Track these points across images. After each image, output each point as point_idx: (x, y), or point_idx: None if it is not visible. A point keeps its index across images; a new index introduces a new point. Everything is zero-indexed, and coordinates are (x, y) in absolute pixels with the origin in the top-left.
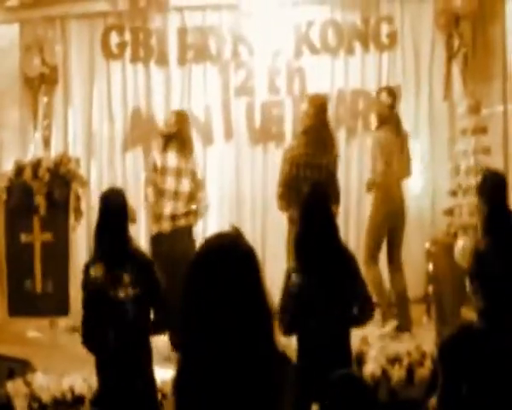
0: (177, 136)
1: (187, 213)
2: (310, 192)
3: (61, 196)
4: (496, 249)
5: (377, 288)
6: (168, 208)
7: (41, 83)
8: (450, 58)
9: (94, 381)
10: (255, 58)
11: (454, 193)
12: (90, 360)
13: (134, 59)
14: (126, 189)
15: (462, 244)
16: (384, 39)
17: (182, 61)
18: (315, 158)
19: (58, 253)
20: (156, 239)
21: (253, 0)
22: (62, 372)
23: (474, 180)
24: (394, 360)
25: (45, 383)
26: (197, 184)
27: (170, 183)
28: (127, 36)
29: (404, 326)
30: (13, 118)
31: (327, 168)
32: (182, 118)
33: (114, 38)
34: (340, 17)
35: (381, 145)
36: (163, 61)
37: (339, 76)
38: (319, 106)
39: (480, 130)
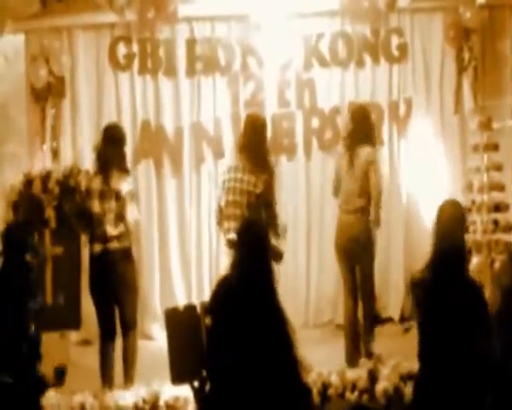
0: None
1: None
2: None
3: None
4: None
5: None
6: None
7: (48, 94)
8: (460, 72)
9: (105, 397)
10: (264, 70)
11: (468, 210)
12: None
13: (142, 70)
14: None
15: (476, 261)
16: (394, 52)
17: (190, 72)
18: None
19: (69, 266)
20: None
21: (262, 11)
22: (73, 388)
23: (487, 197)
24: (407, 377)
25: (56, 400)
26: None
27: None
28: (135, 47)
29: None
30: (19, 129)
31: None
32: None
33: (122, 50)
34: (349, 29)
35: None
36: (171, 72)
37: (349, 88)
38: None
39: (492, 147)
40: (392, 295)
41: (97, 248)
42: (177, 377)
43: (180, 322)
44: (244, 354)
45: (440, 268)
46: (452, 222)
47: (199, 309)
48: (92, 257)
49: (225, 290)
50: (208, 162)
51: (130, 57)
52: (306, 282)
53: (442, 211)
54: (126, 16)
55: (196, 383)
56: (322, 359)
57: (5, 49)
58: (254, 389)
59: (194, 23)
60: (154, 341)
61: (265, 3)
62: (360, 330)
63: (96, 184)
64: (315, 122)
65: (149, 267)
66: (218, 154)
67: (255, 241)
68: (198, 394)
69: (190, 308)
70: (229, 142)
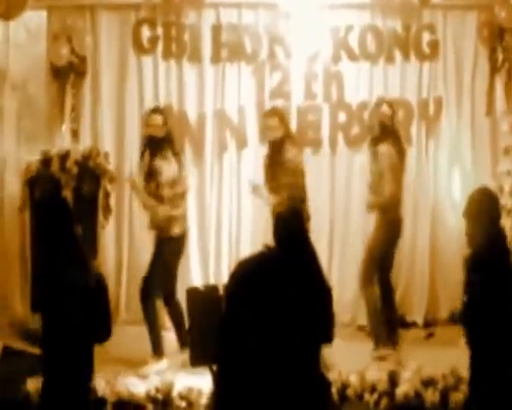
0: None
1: None
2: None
3: (89, 192)
4: None
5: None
6: None
7: (69, 73)
8: (493, 72)
9: (117, 383)
10: (292, 60)
11: None
12: (113, 361)
13: (166, 55)
14: None
15: None
16: (425, 48)
17: (215, 59)
18: None
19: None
20: None
21: (291, 0)
22: None
23: None
24: (429, 382)
25: None
26: None
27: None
28: (159, 30)
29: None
30: (39, 107)
31: None
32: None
33: (146, 32)
34: (380, 23)
35: (391, 161)
36: (196, 58)
37: (378, 84)
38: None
39: None
40: (416, 299)
41: (178, 229)
42: (197, 359)
43: (201, 302)
44: (266, 340)
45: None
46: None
47: (221, 290)
48: (171, 239)
49: (257, 272)
50: (231, 151)
51: (154, 40)
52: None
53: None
54: None
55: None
56: (341, 360)
57: (27, 25)
58: (272, 376)
59: (221, 9)
60: (170, 331)
61: None
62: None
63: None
64: (342, 117)
65: None
66: (242, 143)
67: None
68: (217, 378)
69: (212, 289)
70: (253, 131)
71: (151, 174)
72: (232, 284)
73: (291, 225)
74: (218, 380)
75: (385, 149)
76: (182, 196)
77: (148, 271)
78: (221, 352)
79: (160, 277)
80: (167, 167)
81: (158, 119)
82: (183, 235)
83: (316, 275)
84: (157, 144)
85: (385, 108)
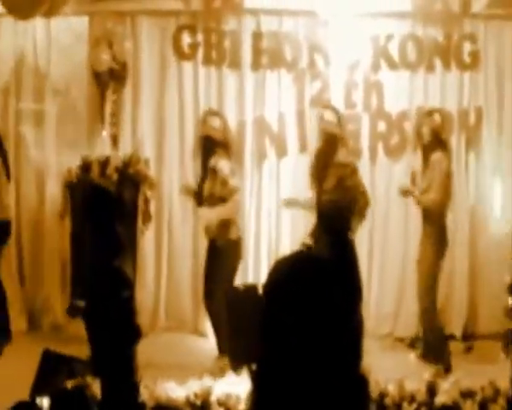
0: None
1: None
2: None
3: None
4: None
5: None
6: None
7: (109, 79)
8: None
9: (156, 388)
10: (331, 69)
11: None
12: (152, 366)
13: (206, 61)
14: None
15: None
16: (466, 58)
17: (256, 66)
18: None
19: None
20: None
21: (330, 8)
22: None
23: None
24: (467, 394)
25: None
26: None
27: None
28: (200, 37)
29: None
30: (79, 112)
31: None
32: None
33: (186, 38)
34: (420, 32)
35: (443, 169)
36: (236, 64)
37: (418, 93)
38: None
39: None
40: (455, 312)
41: (233, 235)
42: (236, 359)
43: (240, 302)
44: (306, 339)
45: None
46: None
47: (260, 289)
48: (234, 242)
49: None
50: (271, 159)
51: (194, 47)
52: (367, 292)
53: None
54: (192, 4)
55: (254, 367)
56: (380, 370)
57: (70, 30)
58: (312, 377)
59: (261, 16)
60: (208, 338)
61: (334, 1)
62: None
63: None
64: (381, 126)
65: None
66: (281, 151)
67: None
68: (255, 378)
69: (251, 288)
70: (293, 139)
71: (205, 175)
72: (270, 282)
73: (333, 221)
74: (257, 380)
75: (437, 157)
76: (233, 198)
77: (208, 273)
78: (261, 351)
79: (219, 280)
80: (222, 167)
81: (217, 121)
82: (239, 240)
83: (354, 275)
84: (214, 146)
85: (437, 117)
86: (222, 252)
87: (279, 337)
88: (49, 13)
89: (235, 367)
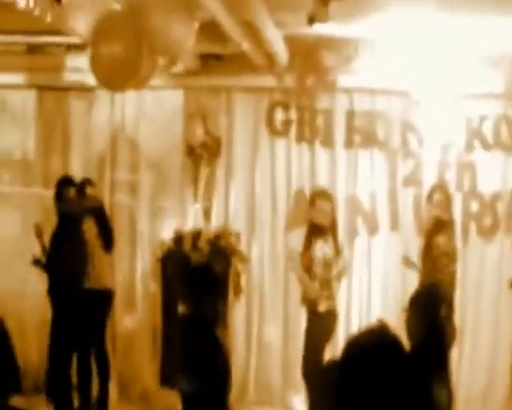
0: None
1: None
2: None
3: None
4: None
5: None
6: None
7: (203, 153)
8: None
9: None
10: (424, 148)
11: None
12: None
13: (299, 138)
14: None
15: None
16: None
17: (348, 144)
18: None
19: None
20: None
21: (423, 89)
22: None
23: None
24: None
25: None
26: None
27: None
28: (293, 114)
29: None
30: (174, 186)
31: None
32: None
33: (279, 115)
34: None
35: None
36: (329, 142)
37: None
38: None
39: None
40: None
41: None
42: None
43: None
44: None
45: None
46: None
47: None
48: (319, 315)
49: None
50: (362, 237)
51: (287, 123)
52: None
53: None
54: (285, 82)
55: None
56: None
57: (163, 104)
58: None
59: (354, 94)
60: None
61: (427, 81)
62: None
63: None
64: (474, 206)
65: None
66: (373, 229)
67: None
68: None
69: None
70: (385, 217)
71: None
72: (344, 358)
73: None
74: None
75: None
76: (336, 277)
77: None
78: None
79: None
80: (326, 252)
81: (327, 206)
82: (332, 313)
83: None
84: (322, 232)
85: None
86: (310, 322)
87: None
88: (141, 85)
89: None
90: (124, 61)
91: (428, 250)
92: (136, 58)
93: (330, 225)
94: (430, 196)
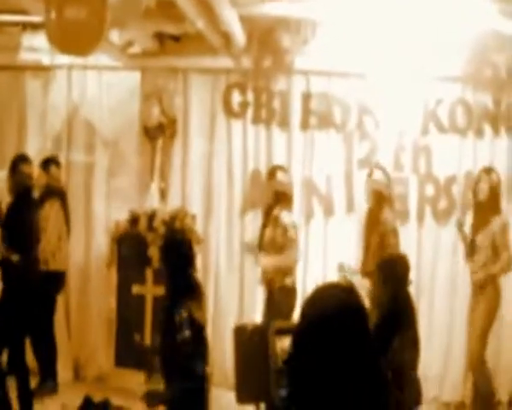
0: None
1: None
2: None
3: None
4: None
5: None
6: None
7: (159, 133)
8: None
9: None
10: (380, 131)
11: None
12: None
13: (256, 120)
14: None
15: None
16: None
17: (304, 126)
18: None
19: None
20: None
21: (380, 72)
22: None
23: None
24: None
25: None
26: None
27: None
28: (250, 95)
29: None
30: (130, 167)
31: None
32: None
33: (236, 97)
34: (470, 97)
35: (505, 228)
36: (285, 124)
37: (467, 158)
38: None
39: None
40: (502, 377)
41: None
42: (243, 397)
43: (248, 341)
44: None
45: None
46: None
47: (270, 330)
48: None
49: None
50: (318, 219)
51: (244, 105)
52: None
53: None
54: (242, 63)
55: (263, 406)
56: None
57: (121, 85)
58: None
59: (311, 76)
60: None
61: (384, 64)
62: None
63: None
64: (429, 190)
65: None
66: (329, 211)
67: None
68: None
69: (259, 328)
70: (341, 199)
71: (267, 223)
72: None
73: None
74: None
75: (503, 219)
76: (292, 248)
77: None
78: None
79: None
80: (284, 217)
81: (285, 175)
82: (294, 288)
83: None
84: (279, 197)
85: (495, 176)
86: (278, 299)
87: (305, 376)
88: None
89: (242, 402)
90: (88, 26)
91: (375, 225)
92: (100, 23)
93: (286, 195)
94: (371, 174)
